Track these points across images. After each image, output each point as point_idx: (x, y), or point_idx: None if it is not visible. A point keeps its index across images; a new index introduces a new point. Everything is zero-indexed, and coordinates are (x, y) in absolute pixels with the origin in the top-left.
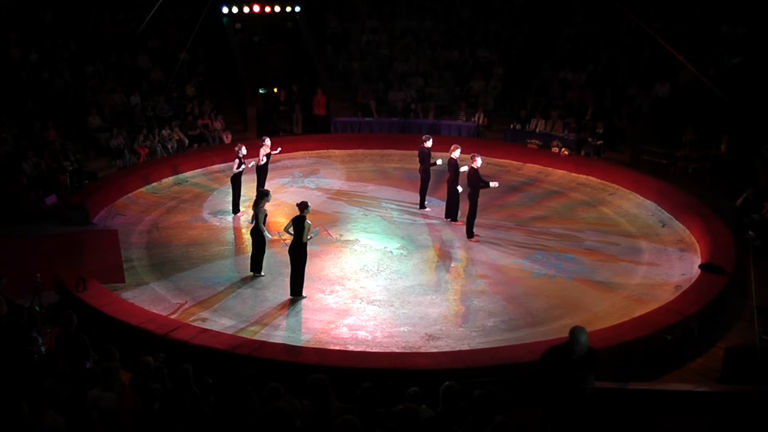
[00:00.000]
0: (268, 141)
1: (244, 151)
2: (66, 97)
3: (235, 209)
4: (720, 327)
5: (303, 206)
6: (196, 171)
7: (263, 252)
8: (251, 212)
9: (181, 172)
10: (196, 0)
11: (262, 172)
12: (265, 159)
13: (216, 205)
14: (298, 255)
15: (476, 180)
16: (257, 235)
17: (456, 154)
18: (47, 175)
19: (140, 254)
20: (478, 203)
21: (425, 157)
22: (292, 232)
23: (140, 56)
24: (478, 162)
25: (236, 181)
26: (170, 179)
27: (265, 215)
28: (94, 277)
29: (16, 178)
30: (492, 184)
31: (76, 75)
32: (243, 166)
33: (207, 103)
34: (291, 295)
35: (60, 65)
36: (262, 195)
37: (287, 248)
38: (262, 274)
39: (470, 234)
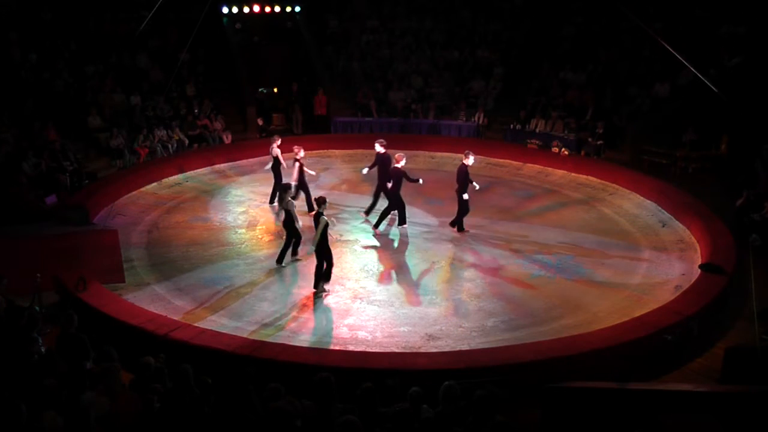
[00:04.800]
0: (278, 141)
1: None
2: (66, 97)
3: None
4: (720, 327)
5: (320, 201)
6: (196, 171)
7: (299, 243)
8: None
9: (181, 172)
10: (196, 0)
11: (277, 169)
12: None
13: (216, 205)
14: (321, 252)
15: (465, 178)
16: (290, 227)
17: (470, 161)
18: (47, 175)
19: (140, 254)
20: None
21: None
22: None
23: (140, 56)
24: (471, 160)
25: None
26: (170, 179)
27: (294, 206)
28: (94, 277)
29: (16, 178)
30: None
31: (76, 75)
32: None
33: (207, 103)
34: (313, 287)
35: (60, 65)
36: (284, 189)
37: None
38: (283, 265)
39: (459, 227)
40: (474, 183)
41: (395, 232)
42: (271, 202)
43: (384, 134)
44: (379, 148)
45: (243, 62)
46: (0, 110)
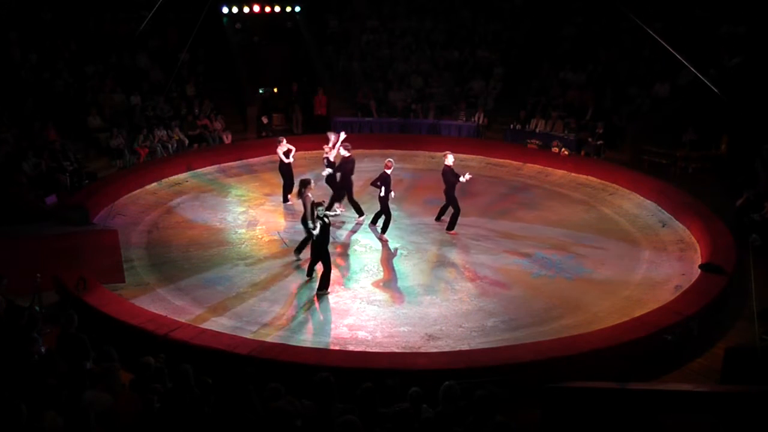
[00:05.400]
0: (284, 141)
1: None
2: (66, 97)
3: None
4: (720, 327)
5: (321, 205)
6: (196, 171)
7: (307, 241)
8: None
9: (181, 172)
10: (196, 0)
11: (286, 170)
12: (283, 157)
13: (216, 205)
14: (320, 253)
15: (451, 177)
16: (305, 222)
17: (449, 160)
18: (47, 175)
19: (140, 254)
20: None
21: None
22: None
23: (140, 56)
24: (450, 159)
25: (331, 181)
26: (170, 179)
27: (312, 202)
28: (94, 277)
29: (16, 178)
30: (464, 177)
31: (76, 75)
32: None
33: (207, 103)
34: (318, 289)
35: (60, 65)
36: (304, 183)
37: (287, 249)
38: (300, 257)
39: (451, 227)
40: (464, 176)
41: (395, 232)
42: (284, 200)
43: (384, 134)
44: (343, 152)
45: (243, 62)
46: (0, 110)
